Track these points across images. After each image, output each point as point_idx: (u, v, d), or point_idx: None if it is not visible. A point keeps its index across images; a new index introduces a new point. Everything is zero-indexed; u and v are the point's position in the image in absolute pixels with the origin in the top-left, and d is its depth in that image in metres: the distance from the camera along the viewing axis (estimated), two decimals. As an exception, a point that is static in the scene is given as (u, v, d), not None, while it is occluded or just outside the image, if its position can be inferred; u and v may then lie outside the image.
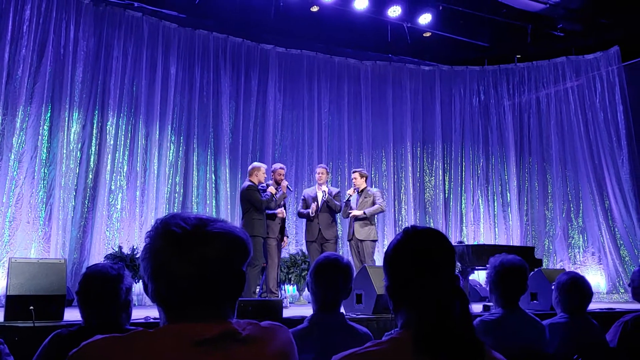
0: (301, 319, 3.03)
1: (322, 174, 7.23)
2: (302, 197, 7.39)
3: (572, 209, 10.33)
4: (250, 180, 6.77)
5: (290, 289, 8.63)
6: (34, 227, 7.54)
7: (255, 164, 7.06)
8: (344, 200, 7.24)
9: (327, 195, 7.07)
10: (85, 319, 2.24)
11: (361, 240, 7.00)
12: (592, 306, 6.84)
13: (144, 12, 8.84)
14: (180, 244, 1.17)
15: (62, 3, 8.09)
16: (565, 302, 3.32)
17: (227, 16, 9.14)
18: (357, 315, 4.91)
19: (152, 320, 4.21)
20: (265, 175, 6.94)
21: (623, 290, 9.30)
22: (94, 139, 8.25)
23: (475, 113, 11.12)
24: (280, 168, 7.16)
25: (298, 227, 9.65)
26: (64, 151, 7.87)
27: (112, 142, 8.33)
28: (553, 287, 3.39)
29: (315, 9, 9.21)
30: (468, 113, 11.11)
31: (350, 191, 7.26)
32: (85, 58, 8.24)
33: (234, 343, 1.16)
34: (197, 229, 1.19)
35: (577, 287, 3.30)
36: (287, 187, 6.98)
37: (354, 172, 7.39)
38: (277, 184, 6.99)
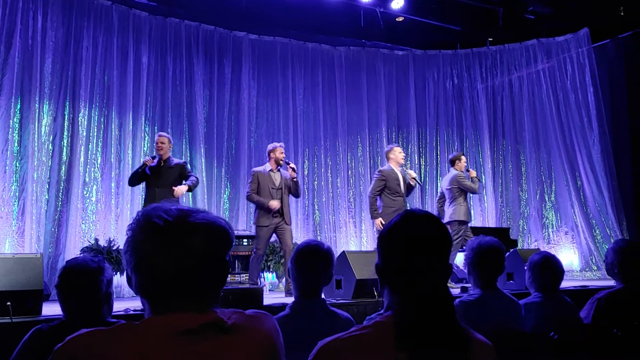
0: (282, 306, 3.05)
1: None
2: None
3: (545, 189, 10.50)
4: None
5: (269, 277, 8.65)
6: (7, 222, 7.42)
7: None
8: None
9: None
10: (66, 313, 2.22)
11: None
12: (566, 284, 7.00)
13: (113, 0, 8.69)
14: (162, 235, 1.17)
15: (29, -8, 7.92)
16: (538, 281, 3.39)
17: (198, 4, 9.04)
18: (337, 300, 4.96)
19: (132, 312, 4.19)
20: (284, 155, 6.69)
21: (596, 268, 9.52)
22: (65, 130, 8.11)
23: (449, 97, 11.20)
24: (280, 146, 6.73)
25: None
26: (36, 144, 7.73)
27: (84, 133, 8.21)
28: (526, 267, 3.46)
29: (287, -6, 9.16)
30: (442, 97, 11.19)
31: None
32: (54, 48, 8.08)
33: (220, 332, 1.17)
34: (179, 220, 1.19)
35: (549, 266, 3.37)
36: (293, 169, 6.58)
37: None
38: (277, 164, 6.61)
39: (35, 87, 7.79)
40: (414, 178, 7.13)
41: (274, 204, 6.41)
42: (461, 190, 7.54)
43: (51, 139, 7.97)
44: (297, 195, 6.85)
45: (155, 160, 6.25)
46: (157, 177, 6.16)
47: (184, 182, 6.27)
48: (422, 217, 1.47)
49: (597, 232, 9.85)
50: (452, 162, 7.83)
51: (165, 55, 9.15)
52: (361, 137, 10.66)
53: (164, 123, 9.02)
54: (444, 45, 11.19)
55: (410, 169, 10.84)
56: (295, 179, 6.59)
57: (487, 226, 10.17)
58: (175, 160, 6.42)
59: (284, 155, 6.69)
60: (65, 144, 8.08)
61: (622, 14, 9.84)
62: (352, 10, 9.66)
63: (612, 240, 8.81)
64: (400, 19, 10.09)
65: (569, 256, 9.86)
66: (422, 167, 11.07)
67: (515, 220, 10.61)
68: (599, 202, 9.86)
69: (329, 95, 10.56)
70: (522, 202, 10.66)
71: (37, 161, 7.73)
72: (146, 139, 8.78)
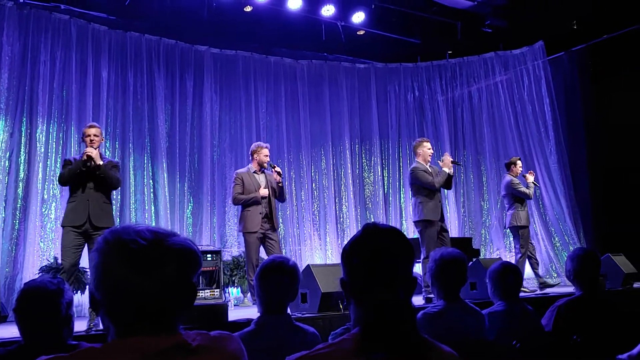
0: (247, 322, 3.03)
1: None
2: None
3: (506, 199, 10.69)
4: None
5: (234, 291, 8.57)
6: (-38, 242, 7.20)
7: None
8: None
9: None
10: (25, 336, 2.16)
11: None
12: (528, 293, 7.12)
13: (71, 14, 8.54)
14: (137, 260, 1.15)
15: (-17, 7, 7.75)
16: (500, 290, 3.46)
17: (159, 18, 8.95)
18: (302, 314, 4.94)
19: (93, 332, 4.11)
20: (268, 158, 6.35)
21: (556, 275, 9.71)
22: (22, 147, 7.92)
23: (411, 109, 11.34)
24: (265, 147, 6.37)
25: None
26: (-9, 161, 7.55)
27: (42, 149, 8.03)
28: (487, 280, 3.53)
29: (248, 9, 9.15)
30: (403, 109, 11.32)
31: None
32: (11, 63, 7.90)
33: (185, 354, 1.16)
34: (154, 244, 1.18)
35: (508, 273, 3.46)
36: (278, 173, 6.29)
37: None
38: (261, 167, 6.32)
39: (-10, 103, 7.61)
40: (453, 161, 6.81)
41: (263, 192, 6.14)
42: (517, 197, 7.55)
43: (8, 155, 7.78)
44: (282, 200, 6.54)
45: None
46: (87, 176, 5.17)
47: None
48: (384, 231, 1.48)
49: (556, 240, 10.08)
50: (507, 167, 7.85)
51: (126, 69, 9.04)
52: (324, 150, 10.70)
53: (125, 138, 8.89)
54: (405, 58, 11.34)
55: (373, 182, 10.97)
56: (280, 184, 6.29)
57: (450, 236, 10.27)
58: (107, 158, 5.55)
59: (269, 159, 6.40)
60: (22, 161, 7.89)
61: (575, 27, 10.16)
62: (314, 24, 9.71)
63: (571, 248, 9.03)
64: (361, 32, 10.18)
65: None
66: (385, 178, 11.15)
67: (478, 230, 10.77)
68: (557, 210, 10.09)
69: (292, 109, 10.57)
70: (483, 211, 10.84)
71: (-7, 179, 7.53)
72: (107, 154, 8.62)
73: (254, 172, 6.34)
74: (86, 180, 5.15)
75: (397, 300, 1.37)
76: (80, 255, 5.16)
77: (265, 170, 6.39)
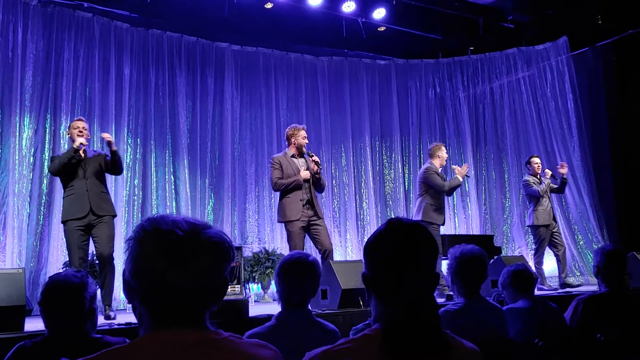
0: (268, 317, 3.04)
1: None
2: None
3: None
4: None
5: (254, 287, 8.61)
6: (-12, 237, 7.32)
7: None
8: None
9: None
10: (50, 329, 2.20)
11: None
12: (550, 290, 7.06)
13: (94, 12, 8.64)
14: (175, 252, 1.16)
15: (8, 5, 7.84)
16: (518, 292, 3.46)
17: (180, 15, 9.02)
18: (322, 310, 4.94)
19: (116, 326, 4.15)
20: (307, 141, 5.97)
21: (579, 273, 9.60)
22: (47, 143, 8.03)
23: (432, 105, 11.27)
24: (302, 129, 5.95)
25: (260, 225, 9.62)
26: (17, 157, 7.65)
27: (66, 146, 8.09)
28: (502, 291, 3.55)
29: (269, 5, 9.18)
30: (424, 105, 11.25)
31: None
32: (35, 61, 8.01)
33: (215, 350, 1.16)
34: (192, 235, 1.18)
35: (520, 275, 3.46)
36: (316, 162, 5.87)
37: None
38: (299, 151, 5.91)
39: (15, 100, 7.71)
40: (466, 175, 6.99)
41: (305, 174, 5.71)
42: (531, 195, 7.52)
43: (32, 152, 7.89)
44: (319, 189, 6.05)
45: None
46: (84, 166, 5.25)
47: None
48: (408, 226, 1.47)
49: (579, 237, 9.95)
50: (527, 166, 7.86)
51: (148, 66, 9.11)
52: (345, 147, 10.68)
53: (147, 134, 8.97)
54: (426, 54, 11.27)
55: (393, 179, 10.93)
56: (318, 175, 5.87)
57: (471, 233, 10.22)
58: (98, 150, 5.67)
59: (307, 141, 6.04)
60: (46, 157, 7.99)
61: (599, 22, 10.01)
62: (334, 20, 9.70)
63: (595, 247, 8.90)
64: (382, 28, 10.15)
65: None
66: (406, 175, 11.11)
67: (499, 227, 10.68)
68: (581, 208, 9.95)
69: (312, 105, 10.57)
70: (505, 209, 10.74)
71: (18, 174, 7.64)
72: (129, 150, 8.73)
73: (292, 156, 5.96)
74: (82, 169, 5.19)
75: (419, 296, 1.37)
76: (88, 249, 5.21)
77: (304, 155, 6.03)
